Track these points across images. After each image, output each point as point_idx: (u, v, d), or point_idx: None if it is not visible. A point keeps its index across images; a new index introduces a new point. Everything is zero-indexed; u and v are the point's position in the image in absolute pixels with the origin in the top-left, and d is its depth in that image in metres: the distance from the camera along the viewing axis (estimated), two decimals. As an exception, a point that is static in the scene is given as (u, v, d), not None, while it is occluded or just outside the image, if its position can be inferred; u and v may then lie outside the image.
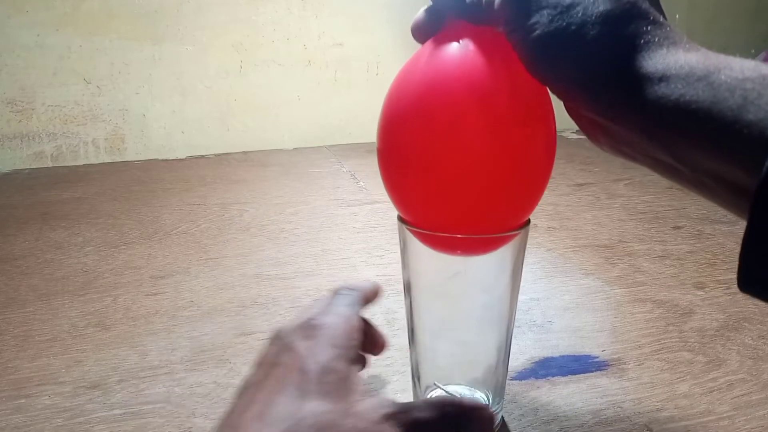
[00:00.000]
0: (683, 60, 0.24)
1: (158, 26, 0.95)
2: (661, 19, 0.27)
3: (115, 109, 0.97)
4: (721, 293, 0.55)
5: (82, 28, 0.92)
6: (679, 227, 0.70)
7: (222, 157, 1.01)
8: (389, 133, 0.31)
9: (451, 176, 0.29)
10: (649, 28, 0.26)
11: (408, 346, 0.38)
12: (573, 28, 0.26)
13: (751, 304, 0.53)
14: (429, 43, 0.32)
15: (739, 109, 0.22)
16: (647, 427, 0.38)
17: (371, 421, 0.27)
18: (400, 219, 0.35)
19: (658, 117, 0.24)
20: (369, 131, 1.10)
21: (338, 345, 0.30)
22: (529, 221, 0.35)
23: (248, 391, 0.30)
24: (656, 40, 0.26)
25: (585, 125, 0.29)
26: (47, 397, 0.41)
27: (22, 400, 0.41)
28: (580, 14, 0.26)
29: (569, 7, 0.26)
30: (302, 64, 1.04)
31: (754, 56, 1.12)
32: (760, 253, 0.21)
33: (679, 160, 0.25)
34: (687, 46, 0.25)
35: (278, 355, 0.31)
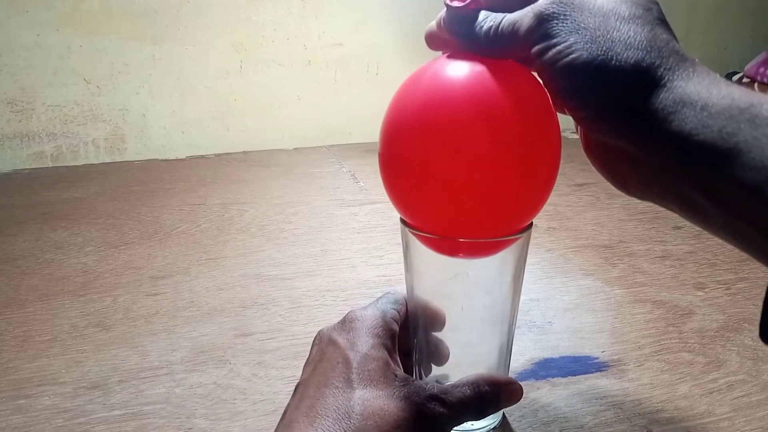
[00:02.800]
0: (725, 91, 0.24)
1: (158, 26, 0.95)
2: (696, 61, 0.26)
3: (115, 109, 0.97)
4: (721, 294, 0.55)
5: (82, 28, 0.92)
6: (679, 227, 0.70)
7: (222, 157, 1.01)
8: (393, 141, 0.31)
9: (453, 185, 0.29)
10: (687, 63, 0.26)
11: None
12: (615, 51, 0.25)
13: (751, 304, 0.53)
14: (438, 58, 0.31)
15: None
16: (647, 429, 0.38)
17: (416, 404, 0.29)
18: (403, 221, 0.35)
19: (696, 146, 0.23)
20: (369, 131, 1.10)
21: (376, 334, 0.33)
22: (531, 224, 0.35)
23: (298, 389, 0.32)
24: (696, 72, 0.25)
25: (611, 162, 0.28)
26: (47, 397, 0.41)
27: (22, 401, 0.41)
28: (621, 39, 0.26)
29: (609, 32, 0.26)
30: (302, 64, 1.04)
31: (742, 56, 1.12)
32: None
33: (710, 197, 0.24)
34: (727, 81, 0.25)
35: (322, 352, 0.33)
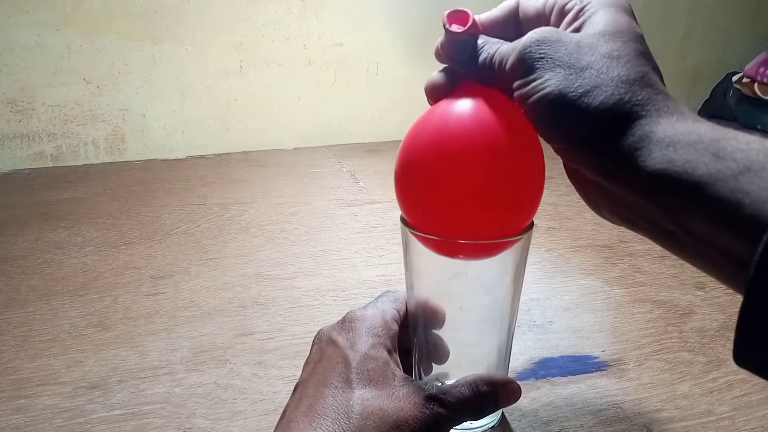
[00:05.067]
0: (692, 128, 0.24)
1: (158, 26, 0.95)
2: (670, 93, 0.27)
3: (115, 109, 0.97)
4: (721, 293, 0.55)
5: (82, 28, 0.92)
6: (679, 227, 0.70)
7: (222, 157, 1.01)
8: (408, 160, 0.33)
9: (456, 191, 0.31)
10: (659, 97, 0.26)
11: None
12: (585, 88, 0.26)
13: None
14: (444, 100, 0.34)
15: (740, 176, 0.22)
16: (647, 428, 0.38)
17: (415, 404, 0.29)
18: (403, 221, 0.35)
19: (663, 180, 0.24)
20: (369, 131, 1.10)
21: (376, 334, 0.33)
22: (532, 225, 0.35)
23: (298, 389, 0.32)
24: (666, 108, 0.26)
25: (586, 189, 0.30)
26: (47, 397, 0.42)
27: (22, 401, 0.41)
28: (594, 76, 0.26)
29: (583, 69, 0.27)
30: (302, 64, 1.04)
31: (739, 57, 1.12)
32: (758, 330, 0.21)
33: (680, 227, 0.25)
34: (696, 117, 0.26)
35: (321, 351, 0.33)
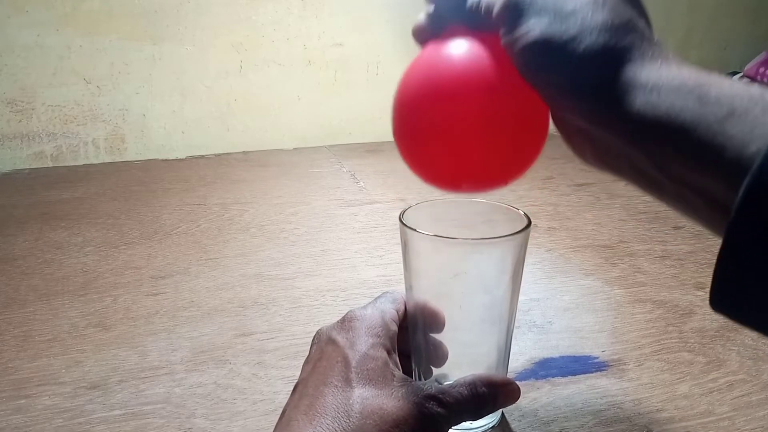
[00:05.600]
0: (675, 73, 0.25)
1: (158, 26, 0.95)
2: (656, 39, 0.27)
3: (115, 109, 0.97)
4: (721, 294, 0.55)
5: (82, 28, 0.92)
6: (679, 227, 0.70)
7: (222, 157, 1.01)
8: (402, 105, 0.33)
9: (454, 130, 0.31)
10: (644, 43, 0.26)
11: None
12: (569, 34, 0.26)
13: (751, 304, 0.53)
14: (430, 43, 0.33)
15: (724, 121, 0.22)
16: (647, 428, 0.38)
17: (414, 403, 0.29)
18: (402, 220, 0.35)
19: (647, 125, 0.24)
20: (369, 131, 1.10)
21: (375, 334, 0.33)
22: (530, 223, 0.35)
23: (297, 388, 0.32)
24: (650, 54, 0.26)
25: (571, 135, 0.30)
26: (47, 397, 0.41)
27: (23, 401, 0.41)
28: (578, 22, 0.27)
29: (568, 15, 0.27)
30: (302, 64, 1.04)
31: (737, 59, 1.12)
32: (734, 272, 0.21)
33: (662, 171, 0.25)
34: (680, 62, 0.26)
35: (321, 351, 0.34)
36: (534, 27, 0.27)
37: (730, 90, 0.23)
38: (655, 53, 0.26)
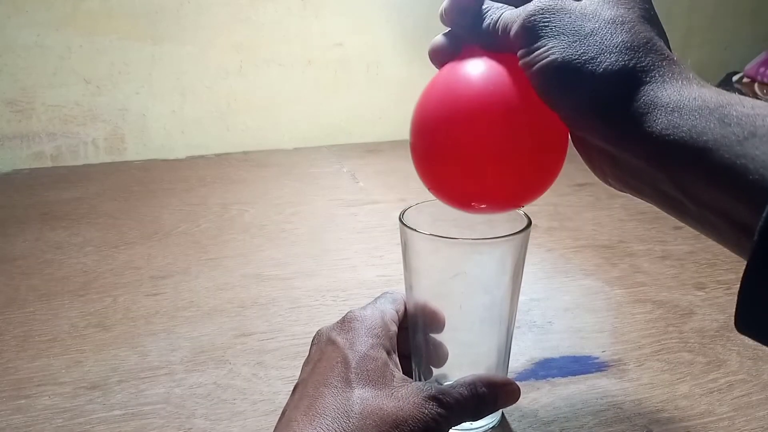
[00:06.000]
0: (696, 93, 0.24)
1: (158, 26, 0.95)
2: (676, 58, 0.27)
3: (115, 109, 0.97)
4: (721, 294, 0.55)
5: (82, 28, 0.92)
6: (679, 227, 0.70)
7: (222, 157, 1.01)
8: (419, 127, 0.33)
9: (472, 152, 0.31)
10: (664, 63, 0.26)
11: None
12: (589, 55, 0.26)
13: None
14: (448, 64, 0.33)
15: (745, 142, 0.22)
16: (647, 428, 0.38)
17: (414, 404, 0.29)
18: (402, 220, 0.35)
19: (668, 146, 0.24)
20: (369, 131, 1.10)
21: (375, 334, 0.33)
22: (530, 223, 0.35)
23: (297, 388, 0.32)
24: (671, 74, 0.26)
25: (592, 156, 0.30)
26: (47, 397, 0.41)
27: (22, 401, 0.41)
28: (597, 43, 0.26)
29: (587, 36, 0.27)
30: (302, 64, 1.04)
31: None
32: (760, 296, 0.21)
33: (685, 193, 0.24)
34: (701, 82, 0.25)
35: (321, 351, 0.34)
36: (553, 48, 0.27)
37: (752, 110, 0.23)
38: (676, 73, 0.26)
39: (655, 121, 0.25)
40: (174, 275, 0.60)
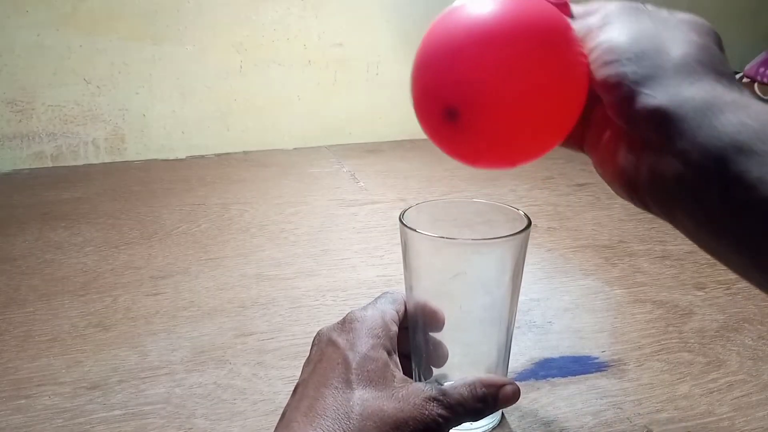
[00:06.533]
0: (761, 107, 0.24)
1: (158, 26, 0.95)
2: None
3: (115, 109, 0.97)
4: (721, 294, 0.55)
5: (82, 28, 0.92)
6: (679, 228, 0.70)
7: (222, 157, 1.01)
8: (433, 49, 0.29)
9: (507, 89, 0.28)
10: (742, 91, 0.26)
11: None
12: (682, 96, 0.25)
13: (751, 304, 0.53)
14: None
15: None
16: (647, 428, 0.38)
17: (415, 405, 0.29)
18: (402, 220, 0.35)
19: (737, 144, 0.23)
20: (369, 131, 1.10)
21: (376, 335, 0.33)
22: (530, 223, 0.35)
23: (298, 389, 0.32)
24: (740, 91, 0.25)
25: (615, 160, 0.28)
26: (47, 397, 0.42)
27: (22, 401, 0.41)
28: (692, 79, 0.26)
29: (680, 68, 0.26)
30: (302, 64, 1.04)
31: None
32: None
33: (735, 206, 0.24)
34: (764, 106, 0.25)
35: (321, 352, 0.33)
36: (655, 93, 0.25)
37: None
38: (745, 94, 0.25)
39: (727, 120, 0.24)
40: (174, 275, 0.60)
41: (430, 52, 0.29)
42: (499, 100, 0.28)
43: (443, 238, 0.33)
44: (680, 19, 0.28)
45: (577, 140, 0.32)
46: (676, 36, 0.27)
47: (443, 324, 0.36)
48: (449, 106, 0.28)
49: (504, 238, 0.34)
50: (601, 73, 0.27)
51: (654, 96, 0.25)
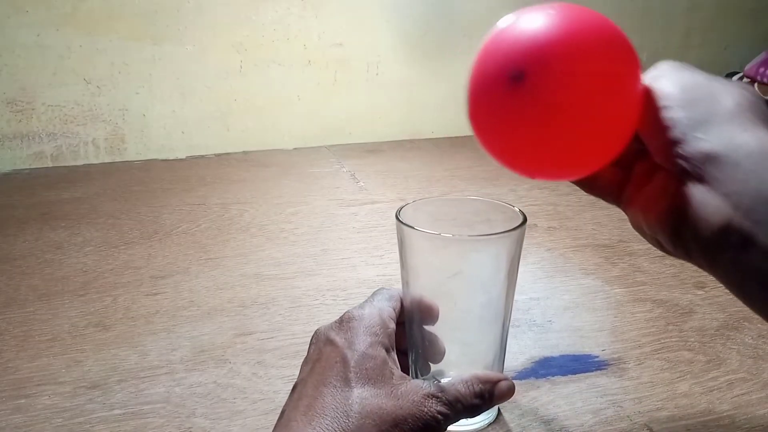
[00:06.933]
0: None
1: (158, 26, 0.95)
2: None
3: (115, 109, 0.97)
4: (721, 292, 0.55)
5: (82, 28, 0.92)
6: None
7: (222, 157, 1.01)
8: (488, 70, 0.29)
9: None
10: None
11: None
12: (736, 142, 0.25)
13: (751, 303, 0.53)
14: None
15: None
16: (647, 427, 0.38)
17: (413, 402, 0.30)
18: (398, 217, 0.35)
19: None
20: (369, 131, 1.10)
21: (374, 333, 0.33)
22: (525, 220, 0.35)
23: (296, 388, 0.32)
24: None
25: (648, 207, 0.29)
26: (47, 397, 0.42)
27: (22, 400, 0.41)
28: (742, 124, 0.26)
29: (731, 115, 0.26)
30: (302, 64, 1.04)
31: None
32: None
33: None
34: None
35: (319, 351, 0.34)
36: (708, 138, 0.26)
37: None
38: None
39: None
40: (174, 275, 0.60)
41: (502, 31, 0.30)
42: (567, 72, 0.28)
43: (439, 234, 0.33)
44: (729, 80, 0.28)
45: (615, 192, 0.32)
46: (727, 89, 0.27)
47: (437, 316, 0.36)
48: (517, 69, 0.28)
49: (499, 235, 0.34)
50: (654, 116, 0.28)
51: (707, 140, 0.26)
